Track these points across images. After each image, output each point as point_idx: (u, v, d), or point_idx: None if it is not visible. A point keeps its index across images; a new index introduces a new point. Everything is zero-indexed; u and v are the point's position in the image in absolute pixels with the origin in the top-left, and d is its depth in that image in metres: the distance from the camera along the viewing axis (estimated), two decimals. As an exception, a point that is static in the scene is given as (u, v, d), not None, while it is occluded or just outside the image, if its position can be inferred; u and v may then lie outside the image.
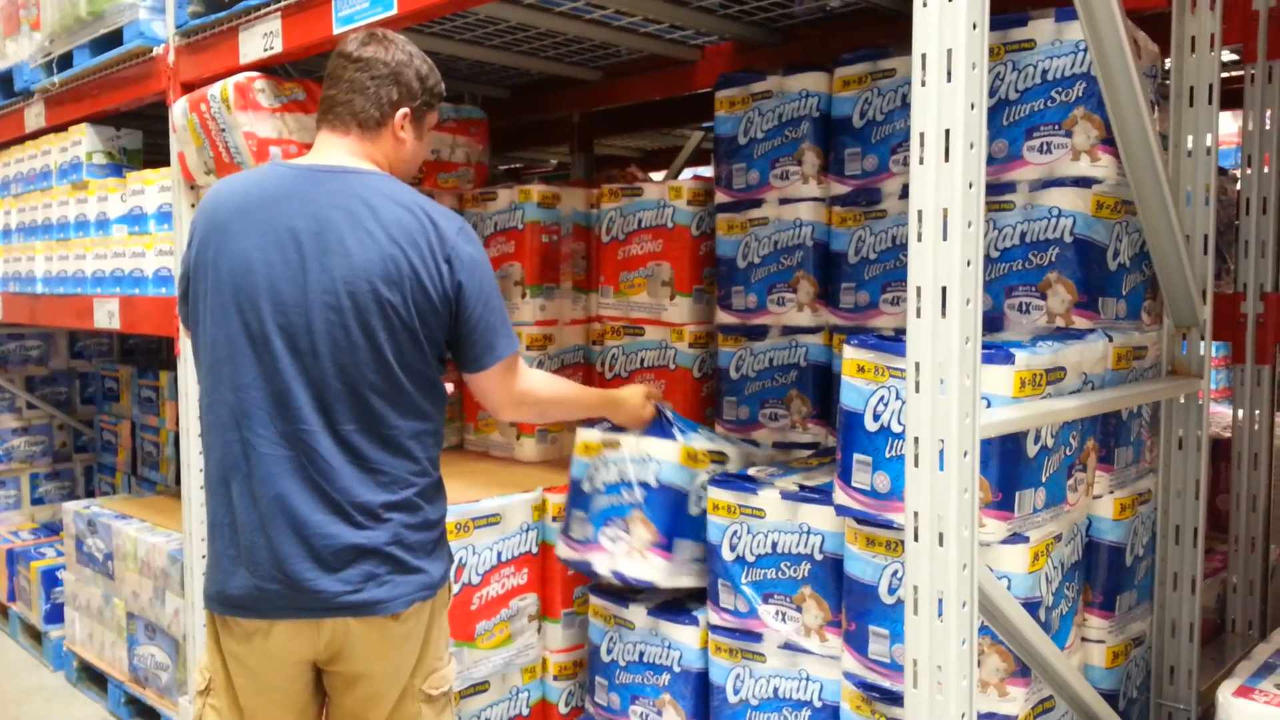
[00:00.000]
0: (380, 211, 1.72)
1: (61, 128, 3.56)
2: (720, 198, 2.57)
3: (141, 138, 3.50)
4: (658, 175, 4.82)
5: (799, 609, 1.96)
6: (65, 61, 3.38)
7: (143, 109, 3.23)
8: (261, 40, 2.63)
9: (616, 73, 3.35)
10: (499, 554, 2.34)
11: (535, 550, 2.42)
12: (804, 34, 2.80)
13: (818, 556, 1.93)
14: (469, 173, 3.16)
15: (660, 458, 2.12)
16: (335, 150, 1.82)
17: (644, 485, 2.11)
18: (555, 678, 2.45)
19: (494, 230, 2.97)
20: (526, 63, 3.20)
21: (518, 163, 5.17)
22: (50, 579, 3.85)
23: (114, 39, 3.09)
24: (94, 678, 3.53)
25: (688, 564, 2.14)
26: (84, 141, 3.40)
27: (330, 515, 1.69)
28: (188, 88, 2.87)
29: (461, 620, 2.25)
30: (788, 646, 1.98)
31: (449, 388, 1.94)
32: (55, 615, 3.83)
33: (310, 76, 2.77)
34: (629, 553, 2.10)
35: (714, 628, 2.09)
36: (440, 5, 2.21)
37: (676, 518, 2.12)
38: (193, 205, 2.84)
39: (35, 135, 3.75)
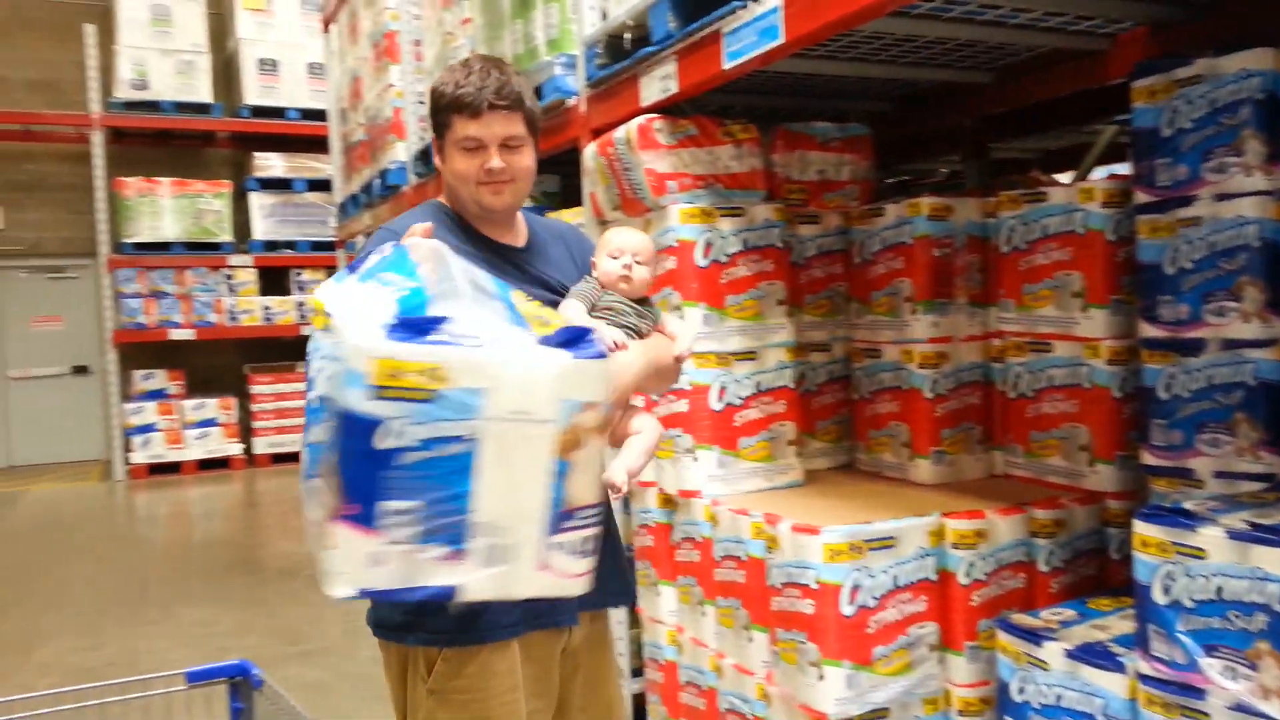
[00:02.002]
0: None
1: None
2: (1140, 198, 2.32)
3: (559, 181, 3.89)
4: (1062, 178, 4.47)
5: (1254, 666, 1.70)
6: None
7: (556, 155, 3.59)
8: (659, 83, 2.81)
9: (1012, 73, 3.15)
10: (895, 578, 2.28)
11: (934, 577, 2.33)
12: (1235, 7, 2.45)
13: (1278, 607, 1.65)
14: (854, 190, 3.14)
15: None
16: None
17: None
18: (960, 713, 2.33)
19: (881, 247, 2.91)
20: (912, 73, 3.11)
21: (904, 175, 5.04)
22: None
23: (535, 95, 3.47)
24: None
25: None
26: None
27: None
28: (596, 133, 3.14)
29: (857, 643, 2.23)
30: (1240, 708, 1.72)
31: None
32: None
33: (702, 112, 2.91)
34: None
35: (1144, 678, 1.87)
36: (827, 26, 2.20)
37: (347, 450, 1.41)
38: (602, 240, 3.09)
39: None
